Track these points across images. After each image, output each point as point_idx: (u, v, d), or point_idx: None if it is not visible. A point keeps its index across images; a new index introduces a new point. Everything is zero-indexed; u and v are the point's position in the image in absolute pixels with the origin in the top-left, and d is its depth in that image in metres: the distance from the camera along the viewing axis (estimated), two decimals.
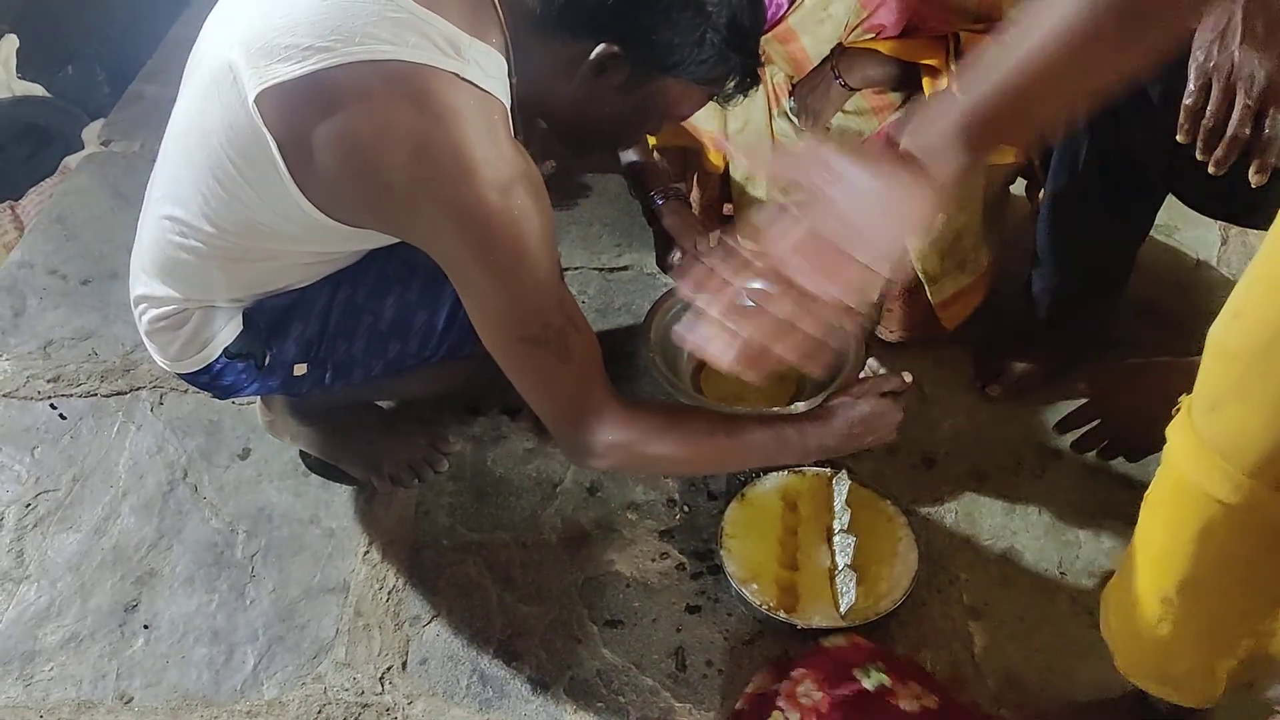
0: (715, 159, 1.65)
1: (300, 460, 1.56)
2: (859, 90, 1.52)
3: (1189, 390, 1.26)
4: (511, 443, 1.59)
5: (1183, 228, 1.89)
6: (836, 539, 1.37)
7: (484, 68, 1.06)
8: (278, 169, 1.05)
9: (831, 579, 1.34)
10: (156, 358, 1.32)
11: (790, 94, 1.55)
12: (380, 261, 1.29)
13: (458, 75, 1.03)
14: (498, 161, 1.04)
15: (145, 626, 1.39)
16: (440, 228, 1.06)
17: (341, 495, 1.53)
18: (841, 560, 1.35)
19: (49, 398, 1.68)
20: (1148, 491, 0.99)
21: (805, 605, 1.32)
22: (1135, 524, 1.46)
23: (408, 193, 1.04)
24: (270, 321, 1.28)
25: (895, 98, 1.55)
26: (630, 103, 1.14)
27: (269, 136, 1.04)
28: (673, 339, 1.61)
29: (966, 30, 1.44)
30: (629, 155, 1.61)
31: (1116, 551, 1.44)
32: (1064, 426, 1.43)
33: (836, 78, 1.50)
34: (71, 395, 1.68)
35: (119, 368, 1.72)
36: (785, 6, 1.47)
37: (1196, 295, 1.81)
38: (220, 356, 1.28)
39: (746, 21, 1.12)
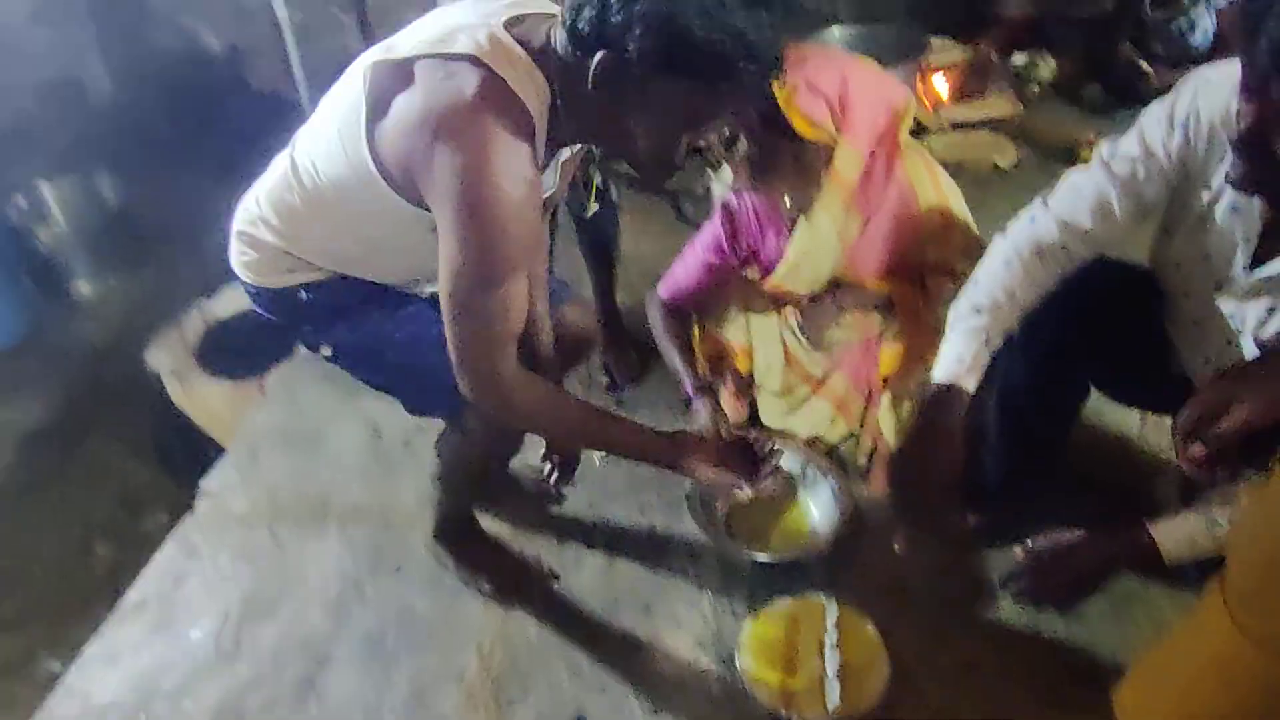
0: (742, 364, 2.19)
1: (439, 567, 2.02)
2: (850, 310, 2.06)
3: (1108, 559, 1.67)
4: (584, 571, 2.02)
5: (1106, 412, 2.17)
6: (827, 652, 1.71)
7: (536, 88, 1.32)
8: (360, 123, 1.35)
9: (822, 684, 1.68)
10: (241, 274, 1.61)
11: (800, 313, 2.11)
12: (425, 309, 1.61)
13: (509, 83, 1.29)
14: (508, 157, 1.28)
15: (318, 699, 1.85)
16: (443, 185, 1.29)
17: (465, 600, 1.98)
18: (830, 669, 1.68)
19: (269, 523, 2.25)
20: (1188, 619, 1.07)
21: (802, 704, 1.66)
22: (1081, 633, 1.73)
23: (431, 150, 1.28)
24: (325, 308, 1.59)
25: (876, 317, 2.08)
26: (647, 105, 1.31)
27: (364, 98, 1.34)
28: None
29: (931, 276, 1.97)
30: (674, 359, 2.16)
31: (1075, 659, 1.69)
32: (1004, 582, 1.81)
33: (834, 303, 2.05)
34: (283, 523, 2.24)
35: (319, 503, 2.28)
36: (769, 270, 2.03)
37: (1123, 467, 2.14)
38: (300, 288, 1.58)
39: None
